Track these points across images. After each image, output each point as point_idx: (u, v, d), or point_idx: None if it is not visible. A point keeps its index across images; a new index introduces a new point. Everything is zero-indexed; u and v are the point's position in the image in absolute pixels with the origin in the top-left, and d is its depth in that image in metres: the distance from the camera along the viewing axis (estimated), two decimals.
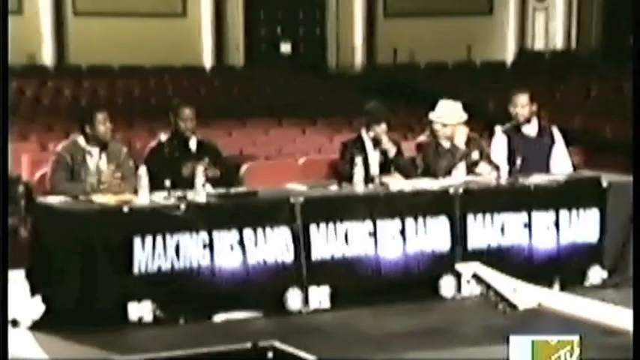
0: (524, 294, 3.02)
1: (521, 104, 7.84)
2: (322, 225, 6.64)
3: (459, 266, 3.15)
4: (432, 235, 6.91)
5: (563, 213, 7.27)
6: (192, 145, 7.44)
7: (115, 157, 6.99)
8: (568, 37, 20.13)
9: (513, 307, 3.00)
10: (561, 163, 7.98)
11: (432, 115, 7.70)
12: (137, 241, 6.13)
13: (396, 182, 7.26)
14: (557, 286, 7.09)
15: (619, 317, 2.95)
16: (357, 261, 6.74)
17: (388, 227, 6.80)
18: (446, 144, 7.63)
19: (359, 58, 19.63)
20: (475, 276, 3.06)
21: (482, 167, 7.59)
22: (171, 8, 18.50)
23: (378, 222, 6.77)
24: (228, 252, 6.40)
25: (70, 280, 6.12)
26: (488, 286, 3.03)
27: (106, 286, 6.09)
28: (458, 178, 7.44)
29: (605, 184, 7.43)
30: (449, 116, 7.62)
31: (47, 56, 17.53)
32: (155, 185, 6.50)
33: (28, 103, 14.58)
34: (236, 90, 16.28)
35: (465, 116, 7.69)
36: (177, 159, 7.24)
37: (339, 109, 14.88)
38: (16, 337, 5.82)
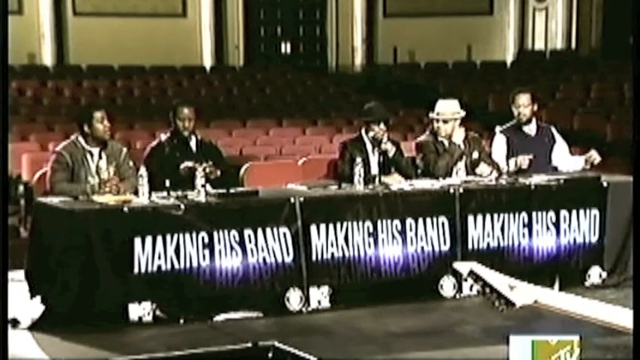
0: (521, 291, 3.03)
1: (523, 104, 7.88)
2: (322, 225, 6.64)
3: (457, 265, 3.16)
4: (432, 235, 6.91)
5: (563, 213, 7.28)
6: (193, 145, 7.44)
7: (114, 158, 6.99)
8: (568, 37, 20.10)
9: (511, 304, 3.01)
10: (567, 161, 8.00)
11: (431, 114, 7.73)
12: (137, 241, 6.13)
13: (396, 182, 7.26)
14: (557, 286, 7.10)
15: (614, 315, 2.96)
16: (357, 261, 6.74)
17: (388, 227, 6.80)
18: (445, 142, 7.64)
19: (359, 58, 19.62)
20: (472, 274, 3.07)
21: (483, 167, 7.60)
22: (171, 8, 18.48)
23: (378, 222, 6.78)
24: (228, 252, 6.39)
25: (70, 280, 6.11)
26: (485, 284, 3.04)
27: (106, 286, 6.08)
28: (458, 178, 7.45)
29: (605, 184, 7.44)
30: (447, 111, 7.64)
31: (47, 56, 17.50)
32: (155, 185, 6.50)
33: (28, 103, 14.56)
34: (236, 90, 16.27)
35: (462, 112, 7.71)
36: (178, 159, 7.25)
37: (339, 109, 14.88)
38: (16, 337, 5.82)
